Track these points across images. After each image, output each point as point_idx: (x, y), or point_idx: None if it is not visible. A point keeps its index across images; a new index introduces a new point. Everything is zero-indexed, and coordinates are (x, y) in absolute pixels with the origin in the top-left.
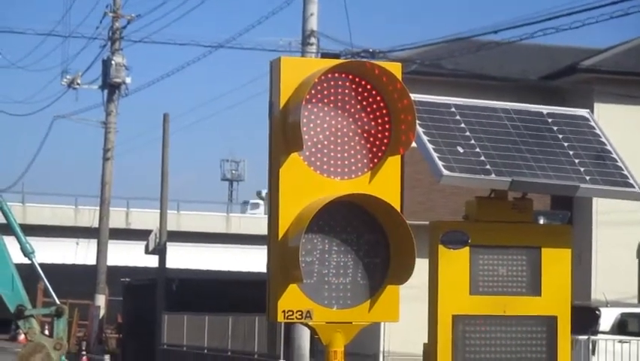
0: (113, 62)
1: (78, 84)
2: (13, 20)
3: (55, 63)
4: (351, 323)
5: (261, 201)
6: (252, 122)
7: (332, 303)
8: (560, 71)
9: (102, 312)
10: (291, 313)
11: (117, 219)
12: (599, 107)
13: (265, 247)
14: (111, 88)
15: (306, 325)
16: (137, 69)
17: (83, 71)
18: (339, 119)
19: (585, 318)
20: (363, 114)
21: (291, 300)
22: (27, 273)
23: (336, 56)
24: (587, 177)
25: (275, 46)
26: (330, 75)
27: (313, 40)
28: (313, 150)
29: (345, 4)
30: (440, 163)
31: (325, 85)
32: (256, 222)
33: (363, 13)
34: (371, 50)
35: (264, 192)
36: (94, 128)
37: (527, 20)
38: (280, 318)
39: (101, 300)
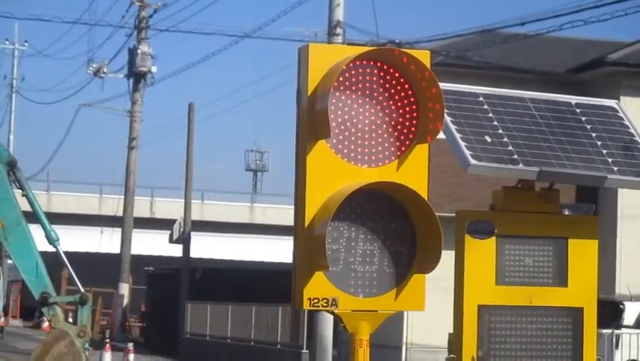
0: (138, 51)
1: (104, 73)
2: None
3: (81, 52)
4: (377, 311)
5: None
6: (276, 113)
7: (358, 291)
8: (587, 64)
9: (126, 300)
10: (316, 300)
11: (142, 208)
12: (625, 100)
13: (289, 237)
14: (137, 77)
15: (332, 313)
16: (162, 58)
17: (109, 59)
18: (367, 106)
19: (609, 312)
20: (391, 102)
21: (317, 288)
22: (52, 261)
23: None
24: (615, 168)
25: (301, 36)
26: (358, 62)
27: (339, 30)
28: (340, 137)
29: None
30: (468, 152)
31: (353, 72)
32: (280, 212)
33: (390, 4)
34: (397, 41)
35: None
36: (119, 117)
37: (555, 12)
38: (306, 305)
39: (124, 288)
